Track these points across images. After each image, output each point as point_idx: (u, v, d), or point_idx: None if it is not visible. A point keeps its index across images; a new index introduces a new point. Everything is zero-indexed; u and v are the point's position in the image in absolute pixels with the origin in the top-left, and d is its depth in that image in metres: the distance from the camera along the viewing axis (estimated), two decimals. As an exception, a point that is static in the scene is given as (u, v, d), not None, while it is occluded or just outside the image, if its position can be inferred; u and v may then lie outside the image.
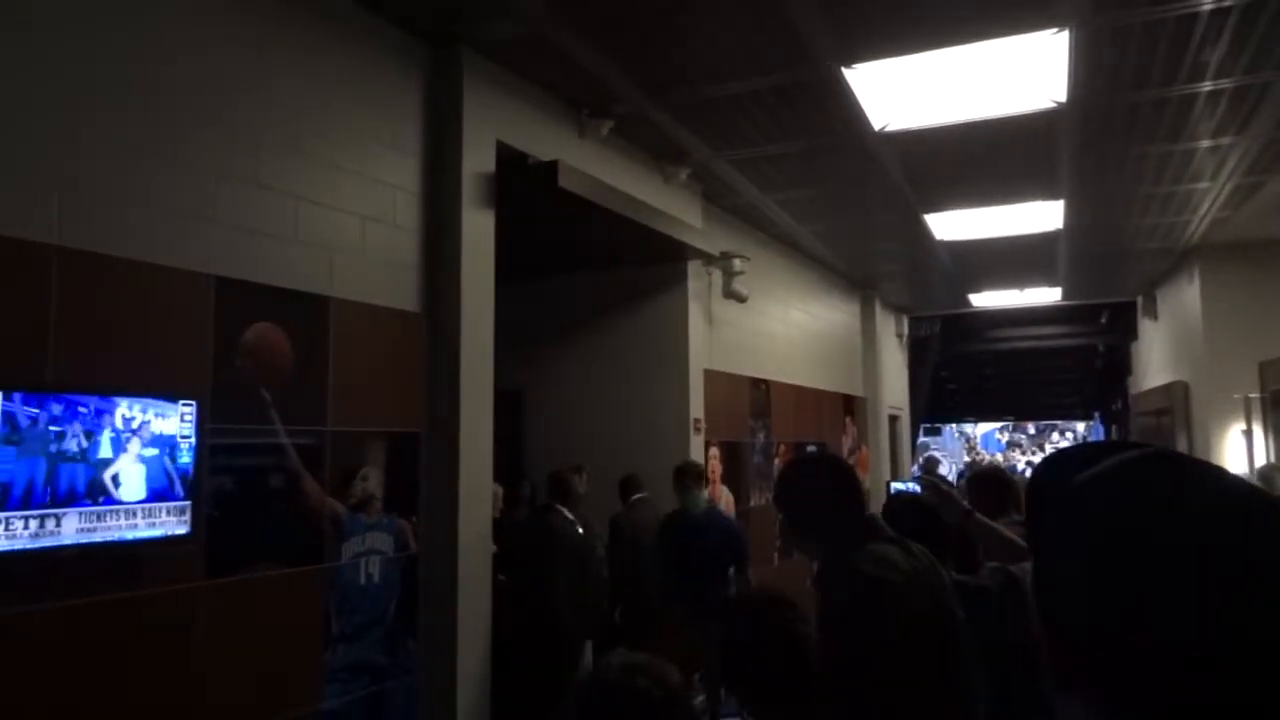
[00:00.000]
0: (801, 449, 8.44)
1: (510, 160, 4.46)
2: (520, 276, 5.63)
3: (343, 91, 3.74)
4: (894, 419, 11.84)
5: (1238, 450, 8.07)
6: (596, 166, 5.05)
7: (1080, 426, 28.05)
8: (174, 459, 2.89)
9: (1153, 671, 0.66)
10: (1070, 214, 7.22)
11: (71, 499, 2.60)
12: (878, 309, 11.03)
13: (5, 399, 2.46)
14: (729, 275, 6.80)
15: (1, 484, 2.44)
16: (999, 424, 31.75)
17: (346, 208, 3.73)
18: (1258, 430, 7.95)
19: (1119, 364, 14.74)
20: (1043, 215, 7.24)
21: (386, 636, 3.79)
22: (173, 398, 2.90)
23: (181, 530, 2.91)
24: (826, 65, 4.36)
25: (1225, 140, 5.48)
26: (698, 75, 4.54)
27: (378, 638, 3.75)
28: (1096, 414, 21.86)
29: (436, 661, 3.95)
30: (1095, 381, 18.30)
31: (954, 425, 30.16)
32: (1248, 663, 0.63)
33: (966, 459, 27.88)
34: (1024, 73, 4.45)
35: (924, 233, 7.77)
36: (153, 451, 2.82)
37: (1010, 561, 2.67)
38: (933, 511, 2.76)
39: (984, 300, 11.55)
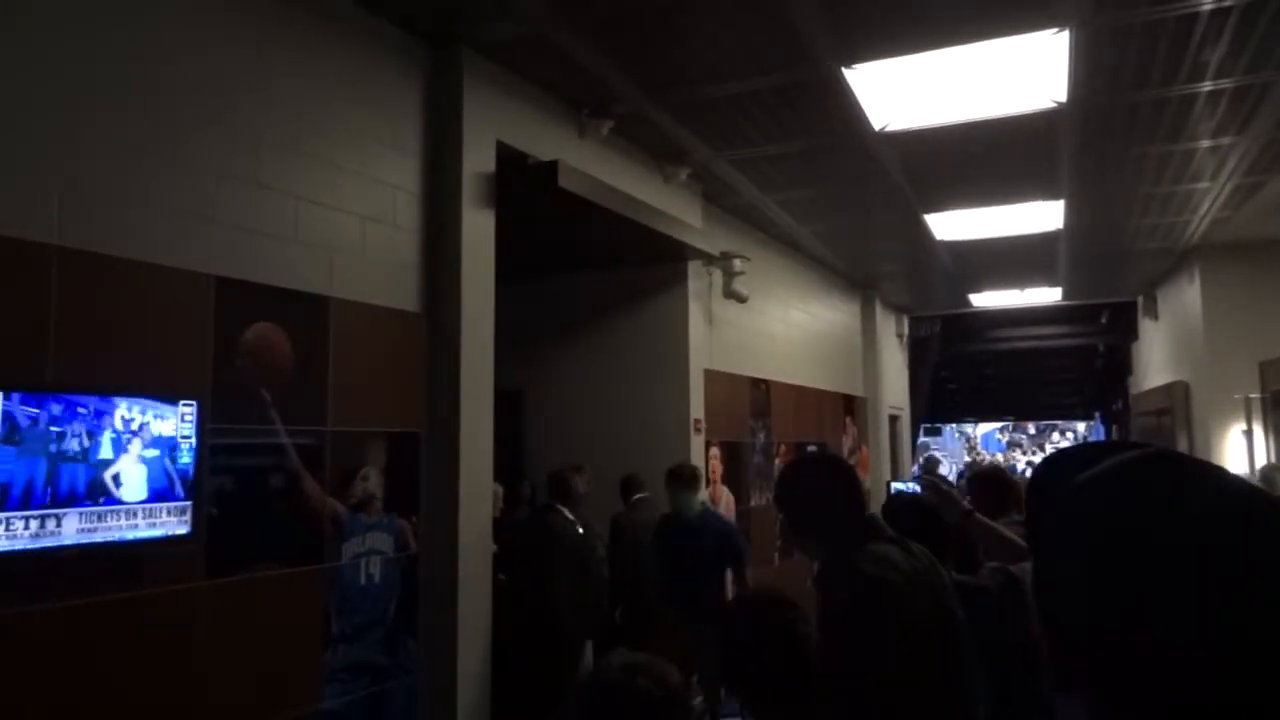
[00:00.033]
0: (802, 449, 8.44)
1: (510, 160, 4.46)
2: (520, 276, 5.63)
3: (343, 91, 3.74)
4: (894, 419, 11.84)
5: (1238, 450, 8.07)
6: (597, 166, 5.05)
7: (1081, 427, 28.06)
8: (174, 459, 2.89)
9: (1153, 671, 0.66)
10: (1070, 214, 7.22)
11: (72, 499, 2.60)
12: (878, 309, 11.03)
13: (5, 399, 2.46)
14: (729, 275, 6.80)
15: (1, 484, 2.44)
16: (999, 424, 31.75)
17: (346, 208, 3.73)
18: (1258, 430, 7.95)
19: (1119, 364, 14.74)
20: (1043, 215, 7.24)
21: (387, 637, 3.79)
22: (173, 398, 2.90)
23: (182, 530, 2.91)
24: (826, 65, 4.36)
25: (1225, 140, 5.48)
26: (698, 75, 4.54)
27: (378, 638, 3.75)
28: (1097, 414, 21.87)
29: (437, 661, 3.95)
30: (1096, 381, 18.30)
31: (954, 425, 30.16)
32: (1248, 663, 0.63)
33: (967, 459, 27.89)
34: (1024, 73, 4.45)
35: (924, 233, 7.77)
36: (153, 452, 2.82)
37: (1010, 561, 2.67)
38: (933, 511, 2.77)
39: (984, 300, 11.55)
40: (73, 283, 2.72)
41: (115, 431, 2.71)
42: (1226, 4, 3.80)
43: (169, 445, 2.87)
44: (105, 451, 2.69)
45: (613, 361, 6.83)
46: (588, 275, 6.95)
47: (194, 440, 2.95)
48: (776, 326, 8.28)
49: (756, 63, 4.39)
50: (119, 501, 2.71)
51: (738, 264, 6.77)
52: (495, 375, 4.32)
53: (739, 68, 4.44)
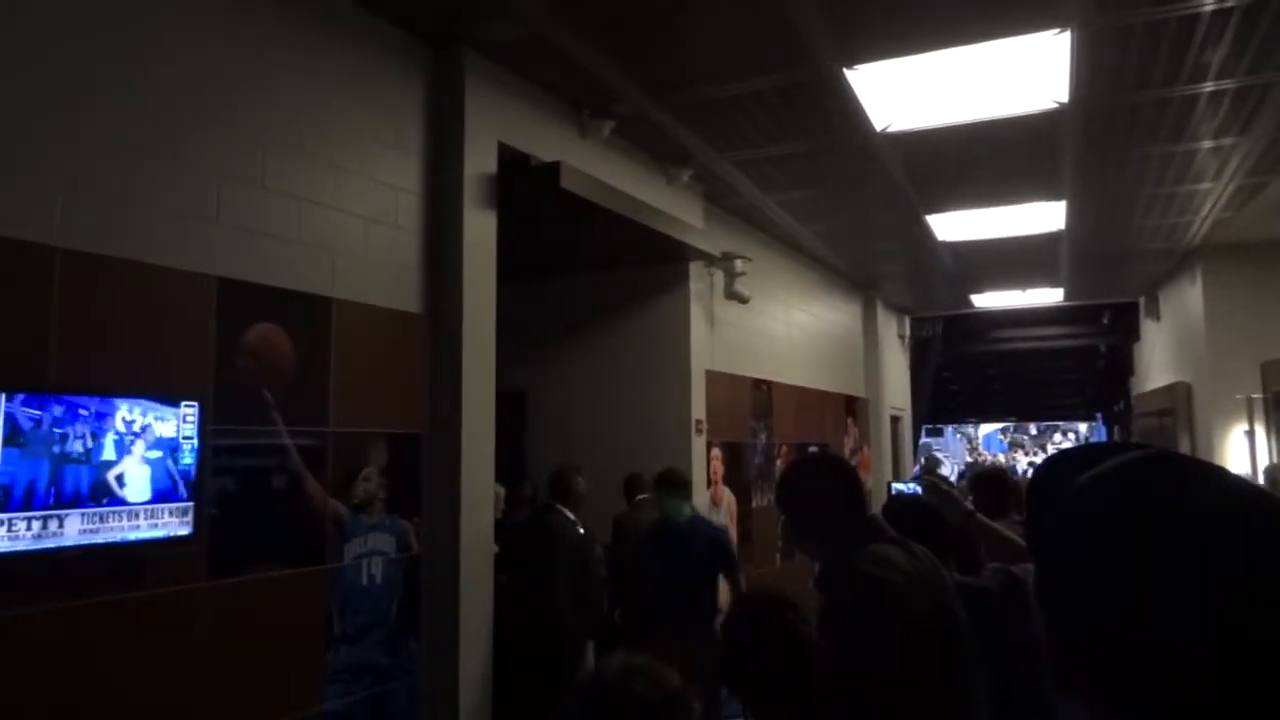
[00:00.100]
0: (803, 450, 8.43)
1: (512, 161, 4.46)
2: (522, 277, 5.62)
3: (343, 92, 3.74)
4: (896, 420, 11.83)
5: (1240, 451, 8.06)
6: (598, 167, 5.05)
7: (1082, 427, 28.04)
8: (176, 460, 2.89)
9: (1153, 671, 0.66)
10: (1072, 215, 7.21)
11: (76, 500, 2.60)
12: (879, 310, 11.03)
13: (7, 400, 2.46)
14: (730, 276, 6.80)
15: (3, 485, 2.44)
16: (1001, 425, 31.72)
17: (348, 208, 3.73)
18: (1260, 431, 7.94)
19: (1121, 365, 14.72)
20: (1045, 216, 7.24)
21: (388, 637, 3.79)
22: (175, 399, 2.90)
23: (184, 531, 2.91)
24: (828, 66, 4.36)
25: (1227, 141, 5.48)
26: (698, 75, 4.54)
27: (380, 639, 3.75)
28: (1099, 415, 21.84)
29: (438, 662, 3.95)
30: (1097, 382, 18.28)
31: (955, 426, 30.14)
32: (1248, 663, 0.63)
33: (968, 459, 27.87)
34: (1026, 73, 4.45)
35: (926, 233, 7.76)
36: (156, 453, 2.82)
37: (1012, 562, 2.66)
38: (934, 512, 2.76)
39: (986, 301, 11.55)
40: (73, 283, 2.72)
41: (118, 433, 2.71)
42: (1228, 5, 3.79)
43: (171, 446, 2.87)
44: (108, 453, 2.69)
45: (614, 362, 6.82)
46: (589, 276, 6.95)
47: (196, 441, 2.95)
48: (778, 327, 8.27)
49: (757, 63, 4.38)
50: (122, 502, 2.72)
51: (739, 265, 6.77)
52: (497, 376, 4.33)
53: (740, 68, 4.44)
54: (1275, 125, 5.18)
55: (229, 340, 3.20)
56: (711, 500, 6.71)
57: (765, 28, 4.01)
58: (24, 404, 2.50)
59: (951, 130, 5.20)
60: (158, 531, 2.82)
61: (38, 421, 2.52)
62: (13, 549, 2.45)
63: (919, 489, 3.60)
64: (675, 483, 5.23)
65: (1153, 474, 0.73)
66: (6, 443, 2.44)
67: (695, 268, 6.55)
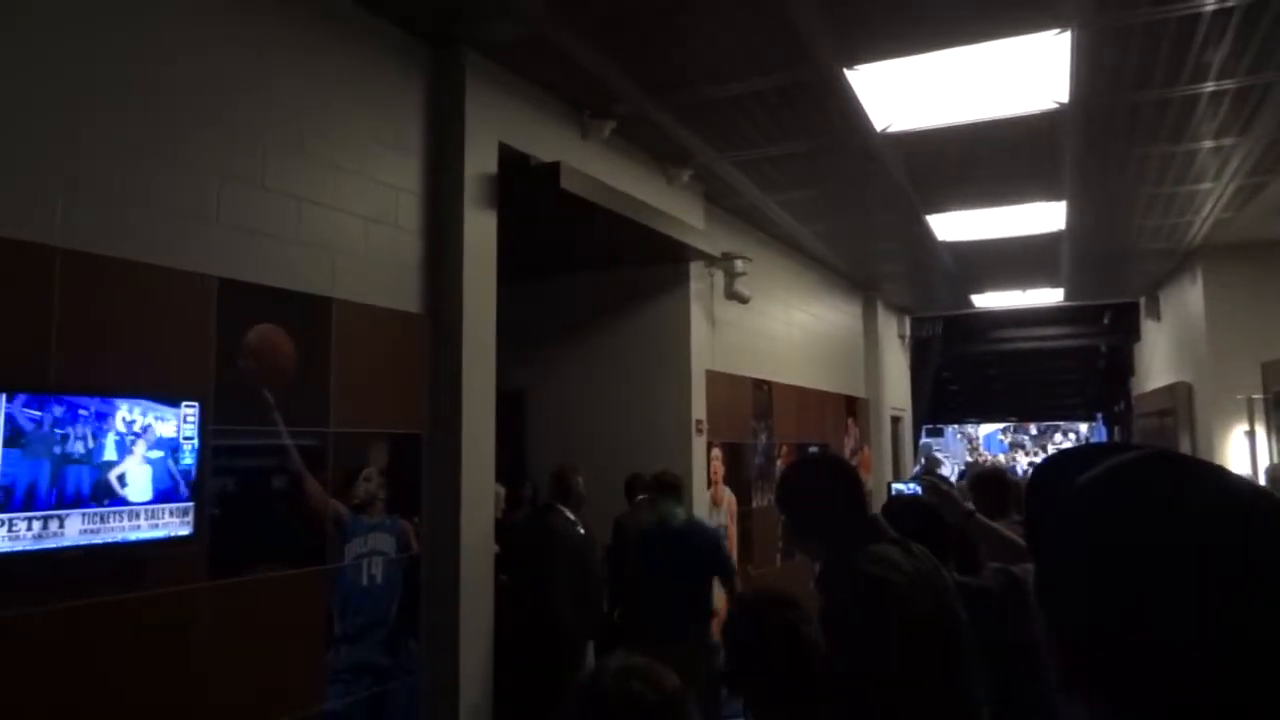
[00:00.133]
0: (804, 450, 8.43)
1: (512, 161, 4.46)
2: (522, 277, 5.62)
3: (343, 92, 3.74)
4: (896, 420, 11.83)
5: (1240, 451, 8.06)
6: (598, 168, 5.05)
7: (1083, 427, 28.02)
8: (177, 460, 2.89)
9: (1153, 671, 0.66)
10: (1073, 215, 7.21)
11: (77, 501, 2.60)
12: (880, 310, 11.03)
13: (8, 401, 2.46)
14: (731, 276, 6.80)
15: (4, 486, 2.44)
16: (1002, 425, 31.72)
17: (348, 208, 3.73)
18: (1260, 431, 7.94)
19: (1122, 365, 14.71)
20: (1045, 216, 7.23)
21: (389, 637, 3.79)
22: (175, 399, 2.90)
23: (184, 531, 2.91)
24: (828, 66, 4.36)
25: (1228, 141, 5.48)
26: (698, 75, 4.54)
27: (380, 639, 3.75)
28: (1099, 415, 21.82)
29: (439, 662, 3.95)
30: (1098, 382, 18.27)
31: (956, 426, 30.13)
32: (1248, 663, 0.63)
33: (969, 459, 27.86)
34: (1026, 73, 4.45)
35: (926, 233, 7.76)
36: (157, 453, 2.82)
37: (1012, 562, 2.66)
38: (934, 512, 2.76)
39: (986, 301, 11.54)
40: (74, 283, 2.72)
41: (119, 433, 2.71)
42: (1229, 4, 3.79)
43: (171, 446, 2.87)
44: (109, 453, 2.69)
45: (614, 362, 6.82)
46: (589, 276, 6.95)
47: (196, 441, 2.95)
48: (778, 327, 8.27)
49: (757, 63, 4.38)
50: (123, 502, 2.72)
51: (739, 265, 6.77)
52: (497, 376, 4.33)
53: (740, 68, 4.44)
54: (1276, 125, 5.18)
55: (229, 340, 3.20)
56: (712, 500, 6.72)
57: (765, 28, 4.01)
58: (25, 404, 2.50)
59: (952, 130, 5.20)
60: (158, 532, 2.82)
61: (38, 422, 2.52)
62: (13, 549, 2.45)
63: (919, 489, 3.59)
64: (668, 485, 5.19)
65: (1152, 474, 0.73)
66: (7, 443, 2.44)
67: (695, 268, 6.55)
